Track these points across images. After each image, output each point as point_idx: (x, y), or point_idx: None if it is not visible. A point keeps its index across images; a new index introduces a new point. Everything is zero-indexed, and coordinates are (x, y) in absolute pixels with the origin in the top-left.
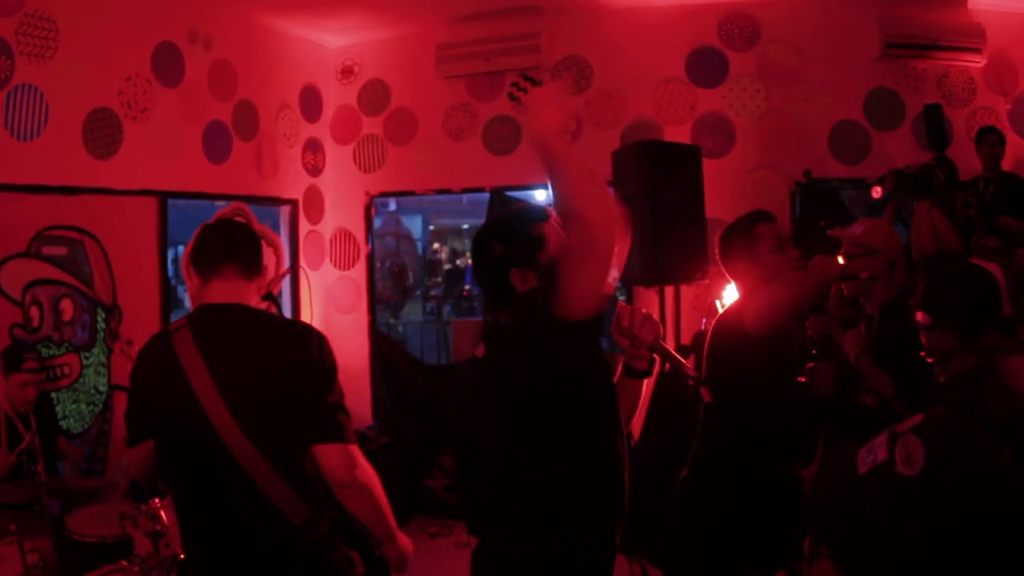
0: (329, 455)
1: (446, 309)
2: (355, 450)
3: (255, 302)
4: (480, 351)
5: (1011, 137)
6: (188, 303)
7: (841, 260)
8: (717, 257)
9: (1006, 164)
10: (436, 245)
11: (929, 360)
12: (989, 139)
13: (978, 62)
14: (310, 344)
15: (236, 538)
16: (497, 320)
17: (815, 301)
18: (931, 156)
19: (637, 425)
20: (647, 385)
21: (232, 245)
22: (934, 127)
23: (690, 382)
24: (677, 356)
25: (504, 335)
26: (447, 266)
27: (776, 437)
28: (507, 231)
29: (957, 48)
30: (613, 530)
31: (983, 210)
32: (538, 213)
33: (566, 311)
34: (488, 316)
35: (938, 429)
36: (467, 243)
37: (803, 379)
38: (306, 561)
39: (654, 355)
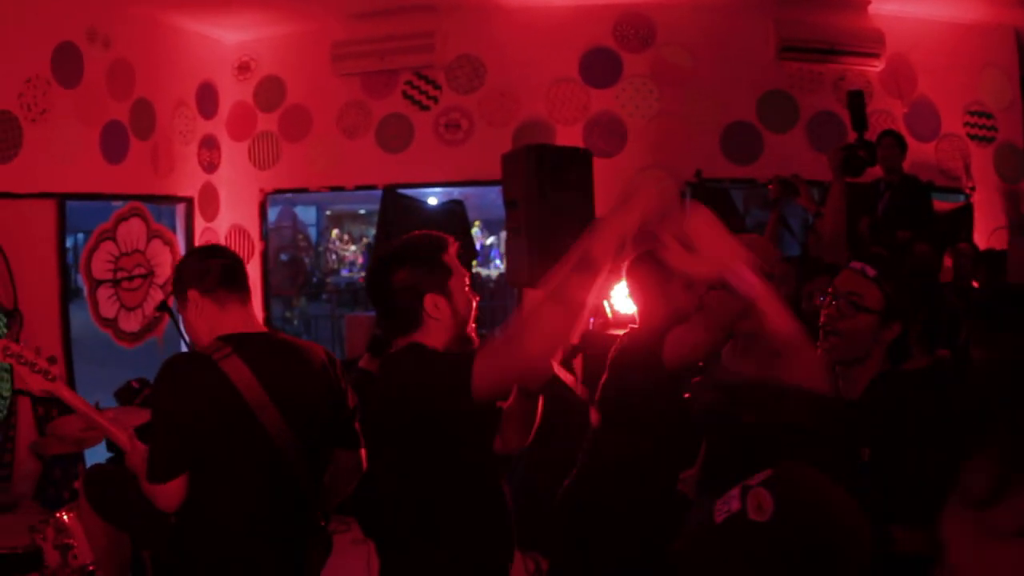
0: (350, 458)
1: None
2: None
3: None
4: (369, 363)
5: (908, 140)
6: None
7: None
8: (625, 280)
9: (904, 165)
10: (336, 232)
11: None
12: (886, 142)
13: (876, 66)
14: (332, 360)
15: (282, 529)
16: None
17: (727, 332)
18: (853, 138)
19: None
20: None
21: (241, 271)
22: (857, 112)
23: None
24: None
25: (395, 372)
26: (283, 256)
27: (664, 453)
28: (419, 258)
29: (855, 53)
30: (500, 559)
31: (875, 231)
32: (441, 242)
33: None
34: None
35: (786, 480)
36: (365, 229)
37: (688, 395)
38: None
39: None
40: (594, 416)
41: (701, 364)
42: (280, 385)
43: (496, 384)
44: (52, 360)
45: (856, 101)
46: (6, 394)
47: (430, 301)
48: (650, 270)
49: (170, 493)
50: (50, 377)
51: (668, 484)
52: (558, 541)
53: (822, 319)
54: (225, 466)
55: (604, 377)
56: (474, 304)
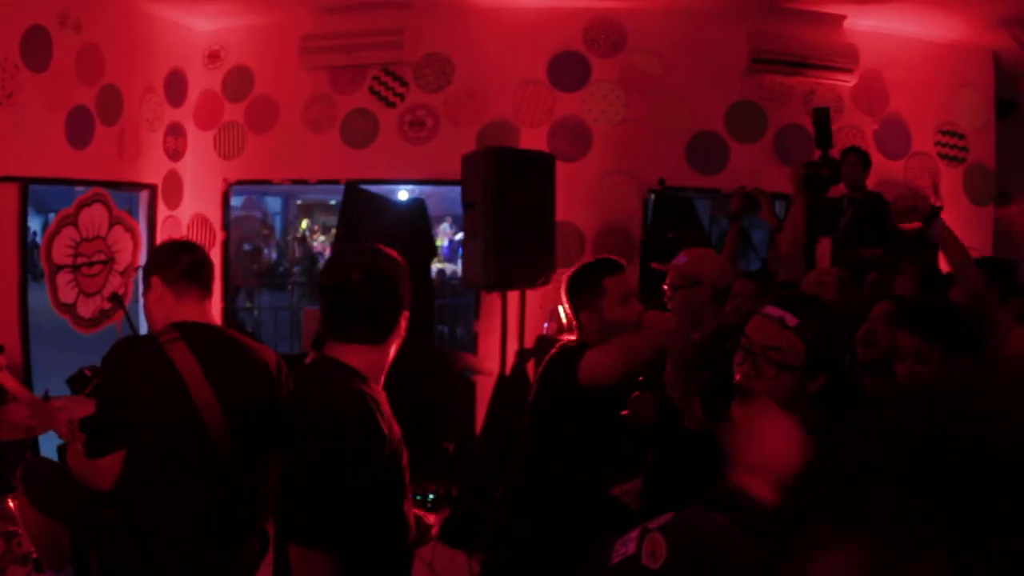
0: None
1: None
2: None
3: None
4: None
5: (876, 157)
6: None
7: (666, 287)
8: (563, 296)
9: (871, 183)
10: (306, 222)
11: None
12: (849, 159)
13: (848, 81)
14: (279, 367)
15: (216, 524)
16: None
17: (649, 358)
18: (818, 155)
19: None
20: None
21: (207, 269)
22: (822, 129)
23: None
24: None
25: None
26: (246, 246)
27: (594, 469)
28: (406, 273)
29: (828, 67)
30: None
31: (836, 248)
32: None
33: None
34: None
35: (684, 528)
36: (335, 220)
37: (626, 412)
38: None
39: None
40: (527, 423)
41: (641, 379)
42: (222, 377)
43: None
44: None
45: (821, 118)
46: None
47: (405, 318)
48: (583, 286)
49: (104, 470)
50: None
51: (599, 494)
52: (492, 545)
53: (736, 376)
54: (159, 450)
55: (535, 386)
56: None
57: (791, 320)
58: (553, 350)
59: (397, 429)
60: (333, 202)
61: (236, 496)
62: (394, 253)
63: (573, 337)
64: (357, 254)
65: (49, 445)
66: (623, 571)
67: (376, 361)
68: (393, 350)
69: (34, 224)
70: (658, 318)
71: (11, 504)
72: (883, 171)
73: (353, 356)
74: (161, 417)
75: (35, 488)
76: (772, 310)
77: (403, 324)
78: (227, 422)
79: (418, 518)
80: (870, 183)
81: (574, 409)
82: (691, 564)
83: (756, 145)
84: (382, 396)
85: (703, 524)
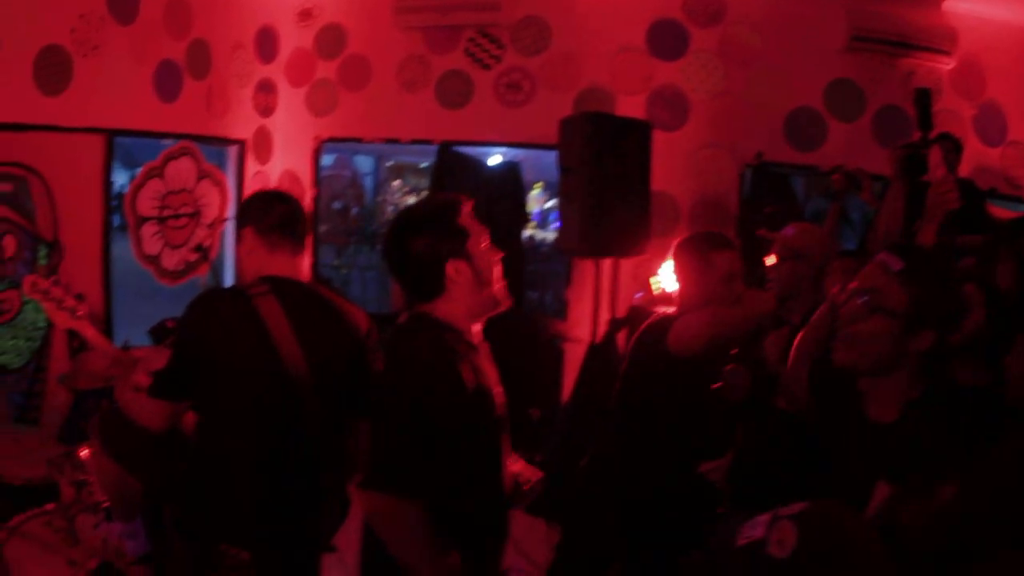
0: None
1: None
2: None
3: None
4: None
5: (973, 143)
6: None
7: (772, 260)
8: (672, 261)
9: (966, 170)
10: (397, 182)
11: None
12: (944, 146)
13: (947, 64)
14: (370, 329)
15: (292, 482)
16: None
17: (743, 334)
18: (917, 137)
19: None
20: None
21: (301, 221)
22: (923, 110)
23: None
24: None
25: (399, 348)
26: (335, 204)
27: (683, 444)
28: (436, 224)
29: (926, 48)
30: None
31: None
32: (454, 204)
33: None
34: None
35: (815, 519)
36: (425, 182)
37: (719, 384)
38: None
39: None
40: (618, 389)
41: (735, 351)
42: (310, 334)
43: None
44: (80, 298)
45: (923, 99)
46: (42, 324)
47: (451, 268)
48: (691, 256)
49: (163, 411)
50: (76, 315)
51: (684, 471)
52: (572, 515)
53: (840, 317)
54: (241, 404)
55: (628, 353)
56: (496, 262)
57: (895, 264)
58: (650, 321)
59: (494, 383)
60: (424, 165)
61: (318, 456)
62: (446, 198)
63: (671, 309)
64: (395, 217)
65: None
66: (747, 555)
67: (454, 311)
68: (471, 299)
69: (121, 179)
70: (757, 297)
71: (82, 453)
72: (979, 158)
73: (433, 309)
74: (244, 370)
75: (111, 438)
76: (882, 255)
77: (453, 273)
78: (314, 380)
79: (516, 481)
80: (966, 170)
81: (665, 378)
82: (819, 560)
83: (854, 124)
84: (475, 346)
85: (837, 519)
